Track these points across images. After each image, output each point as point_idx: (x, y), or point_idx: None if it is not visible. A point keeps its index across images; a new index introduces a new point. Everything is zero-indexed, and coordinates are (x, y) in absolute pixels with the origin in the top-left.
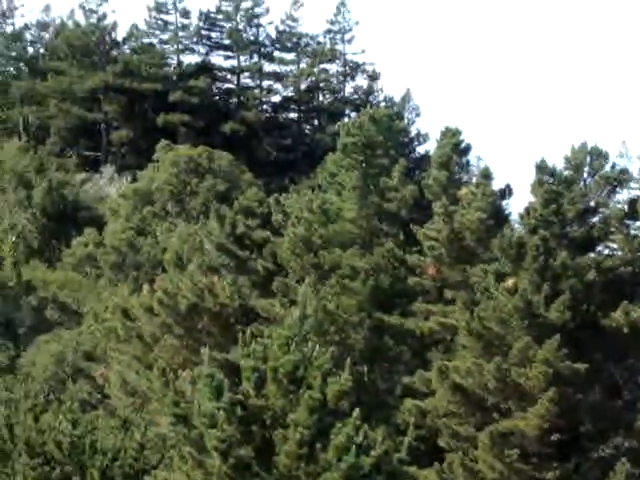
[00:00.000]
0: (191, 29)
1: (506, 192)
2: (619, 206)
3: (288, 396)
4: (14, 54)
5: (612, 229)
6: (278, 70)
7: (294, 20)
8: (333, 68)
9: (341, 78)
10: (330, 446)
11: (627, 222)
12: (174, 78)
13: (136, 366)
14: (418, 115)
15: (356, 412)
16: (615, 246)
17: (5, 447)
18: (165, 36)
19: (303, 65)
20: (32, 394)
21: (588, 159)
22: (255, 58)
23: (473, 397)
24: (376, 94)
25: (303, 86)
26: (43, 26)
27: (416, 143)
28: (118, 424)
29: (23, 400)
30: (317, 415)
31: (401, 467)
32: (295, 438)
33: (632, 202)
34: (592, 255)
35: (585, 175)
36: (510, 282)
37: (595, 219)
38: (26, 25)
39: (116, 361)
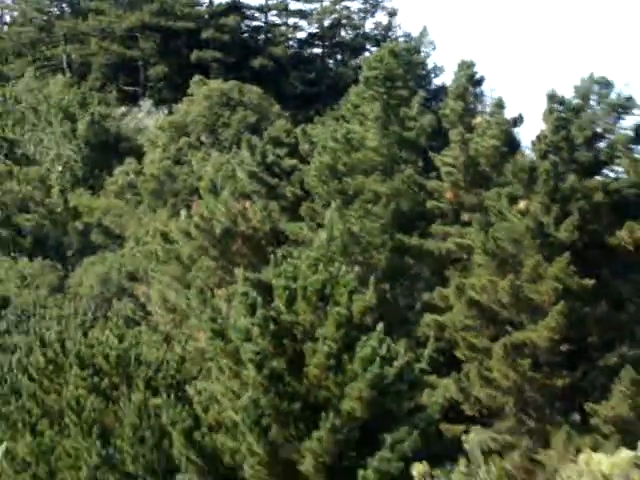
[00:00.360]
0: None
1: (518, 120)
2: (624, 132)
3: (316, 312)
4: None
5: (618, 153)
6: (303, 8)
7: None
8: (354, 5)
9: (362, 15)
10: (356, 358)
11: (632, 146)
12: (206, 17)
13: (175, 285)
14: (434, 49)
15: (380, 326)
16: (621, 169)
17: (58, 360)
18: None
19: (326, 3)
20: (80, 312)
21: (596, 88)
22: None
23: (488, 312)
24: (395, 30)
25: (327, 23)
26: None
27: (433, 75)
28: (160, 339)
29: (73, 317)
30: (344, 329)
31: (422, 376)
32: (323, 351)
33: (637, 128)
34: (599, 178)
35: (593, 103)
36: (522, 204)
37: (602, 144)
38: None
39: (157, 281)
